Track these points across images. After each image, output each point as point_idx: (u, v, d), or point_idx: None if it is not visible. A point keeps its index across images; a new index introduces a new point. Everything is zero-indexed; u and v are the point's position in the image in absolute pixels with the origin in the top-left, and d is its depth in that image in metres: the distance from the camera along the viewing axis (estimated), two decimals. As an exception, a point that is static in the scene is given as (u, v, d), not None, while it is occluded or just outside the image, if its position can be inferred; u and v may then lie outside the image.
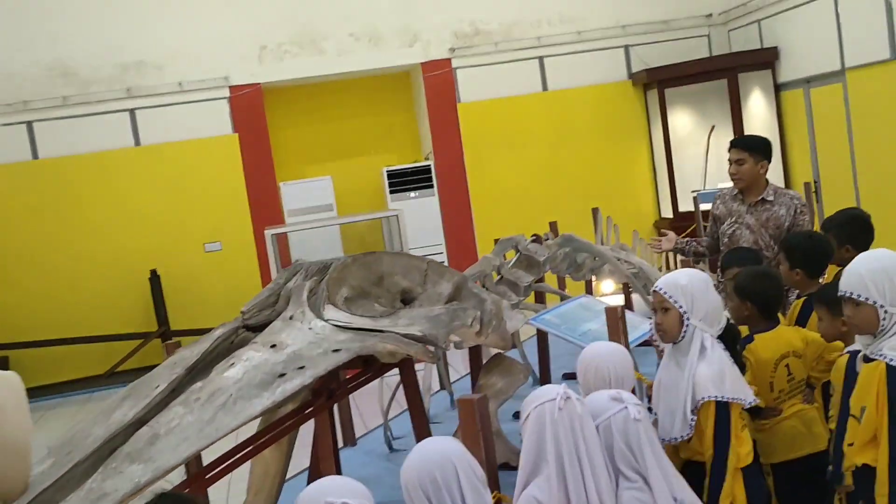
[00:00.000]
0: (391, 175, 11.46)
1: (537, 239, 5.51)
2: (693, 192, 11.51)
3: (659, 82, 11.12)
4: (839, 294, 3.02)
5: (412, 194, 11.47)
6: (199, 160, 10.97)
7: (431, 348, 3.29)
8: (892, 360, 2.84)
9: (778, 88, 10.75)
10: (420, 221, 11.33)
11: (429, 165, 11.51)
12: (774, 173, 11.08)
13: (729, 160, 5.09)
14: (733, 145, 5.15)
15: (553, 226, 6.85)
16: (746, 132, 10.87)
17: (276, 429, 3.39)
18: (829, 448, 3.53)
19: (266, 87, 11.26)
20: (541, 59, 11.59)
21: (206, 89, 10.99)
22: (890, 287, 2.87)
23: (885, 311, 2.88)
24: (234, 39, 11.02)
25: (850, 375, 3.32)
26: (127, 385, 3.26)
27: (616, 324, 3.49)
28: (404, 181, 11.48)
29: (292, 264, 3.79)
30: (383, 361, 3.58)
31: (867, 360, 2.97)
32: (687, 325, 3.17)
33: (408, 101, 12.36)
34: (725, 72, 10.82)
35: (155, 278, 10.53)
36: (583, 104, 11.57)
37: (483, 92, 11.53)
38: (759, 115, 11.04)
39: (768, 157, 5.10)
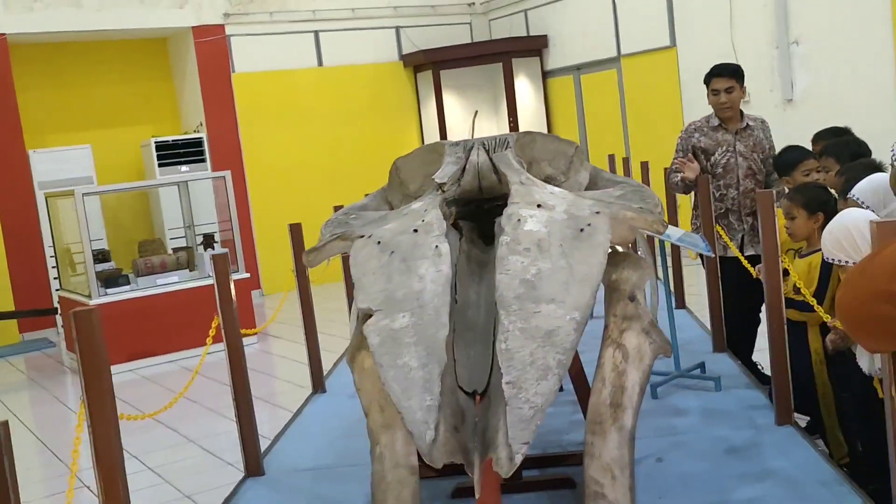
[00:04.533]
0: (160, 146, 10.49)
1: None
2: (461, 172, 11.92)
3: (434, 64, 11.39)
4: None
5: (183, 168, 10.59)
6: (-70, 118, 9.20)
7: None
8: None
9: (545, 75, 11.53)
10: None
11: (201, 138, 10.71)
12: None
13: (714, 90, 5.24)
14: (720, 74, 5.25)
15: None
16: (518, 115, 11.54)
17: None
18: None
19: (12, 40, 9.74)
20: (316, 33, 11.32)
21: (-61, 35, 9.27)
22: None
23: None
24: (-25, -21, 9.42)
25: None
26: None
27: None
28: (174, 153, 10.57)
29: (439, 144, 3.42)
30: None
31: None
32: None
33: (165, 68, 11.39)
34: (499, 56, 11.38)
35: None
36: (358, 82, 11.48)
37: (258, 63, 10.99)
38: (527, 100, 11.74)
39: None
